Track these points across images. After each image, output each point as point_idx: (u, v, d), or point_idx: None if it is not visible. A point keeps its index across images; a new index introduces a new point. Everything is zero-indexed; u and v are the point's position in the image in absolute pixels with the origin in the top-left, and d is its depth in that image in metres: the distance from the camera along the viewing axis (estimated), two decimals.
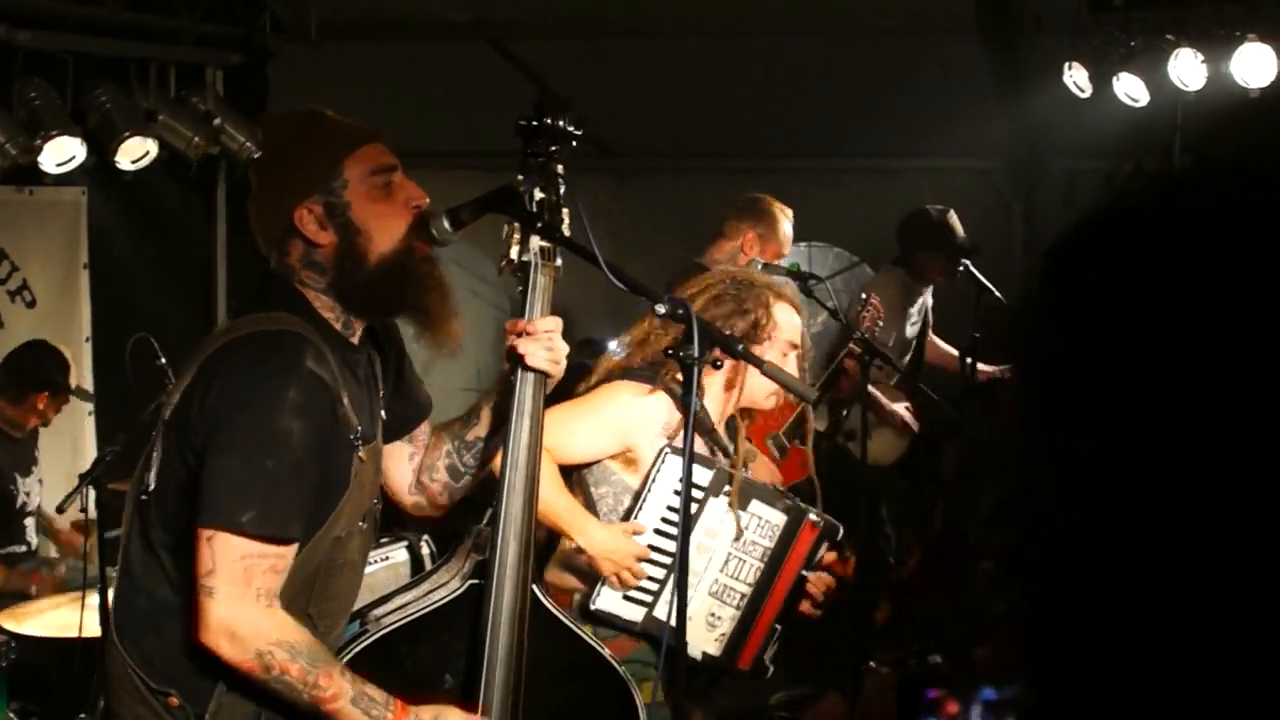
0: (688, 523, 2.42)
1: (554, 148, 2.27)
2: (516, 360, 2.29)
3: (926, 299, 5.70)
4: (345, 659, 2.27)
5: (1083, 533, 0.74)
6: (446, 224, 2.23)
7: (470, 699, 2.30)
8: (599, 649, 2.56)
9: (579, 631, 2.55)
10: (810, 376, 3.63)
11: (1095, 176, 6.86)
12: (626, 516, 3.01)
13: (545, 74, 6.94)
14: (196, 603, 2.08)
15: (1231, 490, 0.71)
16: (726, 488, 3.01)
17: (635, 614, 3.00)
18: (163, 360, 3.67)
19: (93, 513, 3.68)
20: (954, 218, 5.54)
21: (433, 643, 2.36)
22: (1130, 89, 5.73)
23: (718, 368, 2.74)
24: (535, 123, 2.25)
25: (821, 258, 8.44)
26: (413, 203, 2.25)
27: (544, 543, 3.01)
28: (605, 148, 7.95)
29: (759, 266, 4.45)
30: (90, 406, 5.84)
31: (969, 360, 5.35)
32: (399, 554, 4.67)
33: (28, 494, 5.01)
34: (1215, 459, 0.71)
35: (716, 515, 3.00)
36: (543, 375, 2.32)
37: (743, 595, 3.09)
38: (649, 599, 3.00)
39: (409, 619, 2.35)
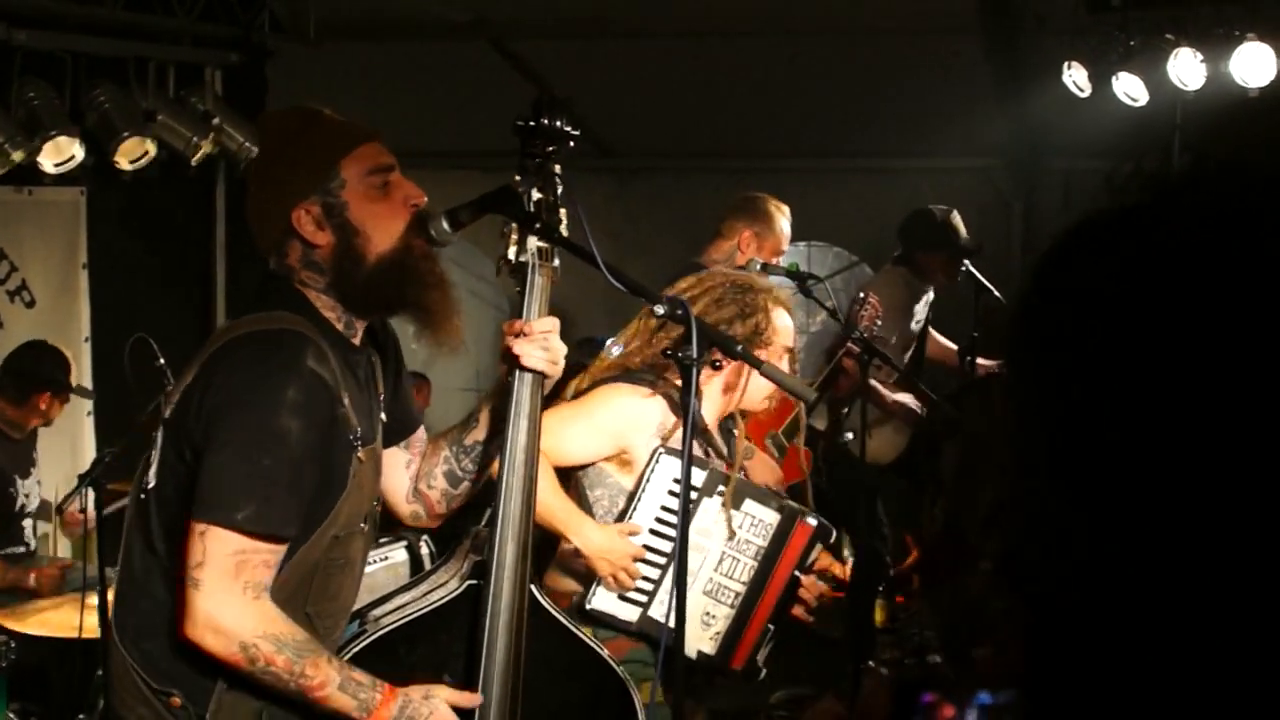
0: (686, 524, 2.42)
1: (551, 148, 2.27)
2: (513, 361, 2.29)
3: (930, 296, 5.68)
4: (344, 659, 2.27)
5: (1083, 533, 0.74)
6: (445, 225, 2.23)
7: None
8: (598, 649, 2.56)
9: (578, 632, 2.55)
10: (808, 376, 3.63)
11: (1094, 176, 6.86)
12: (621, 518, 3.02)
13: (545, 74, 6.94)
14: (182, 595, 2.08)
15: (1232, 490, 0.71)
16: (720, 487, 3.02)
17: (630, 614, 3.01)
18: (161, 361, 3.67)
19: (92, 513, 3.68)
20: (957, 218, 5.52)
21: (431, 643, 2.36)
22: (1129, 88, 5.73)
23: (717, 369, 2.75)
24: (532, 123, 2.25)
25: (821, 257, 8.44)
26: (411, 201, 2.25)
27: (541, 543, 3.02)
28: (605, 148, 7.95)
29: (757, 266, 4.45)
30: (90, 406, 5.85)
31: (968, 359, 5.35)
32: (398, 554, 4.68)
33: (26, 495, 5.01)
34: (1216, 458, 0.71)
35: (710, 515, 3.02)
36: (540, 376, 2.32)
37: (737, 594, 3.10)
38: (644, 599, 3.01)
39: (408, 619, 2.35)
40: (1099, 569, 0.74)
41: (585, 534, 2.95)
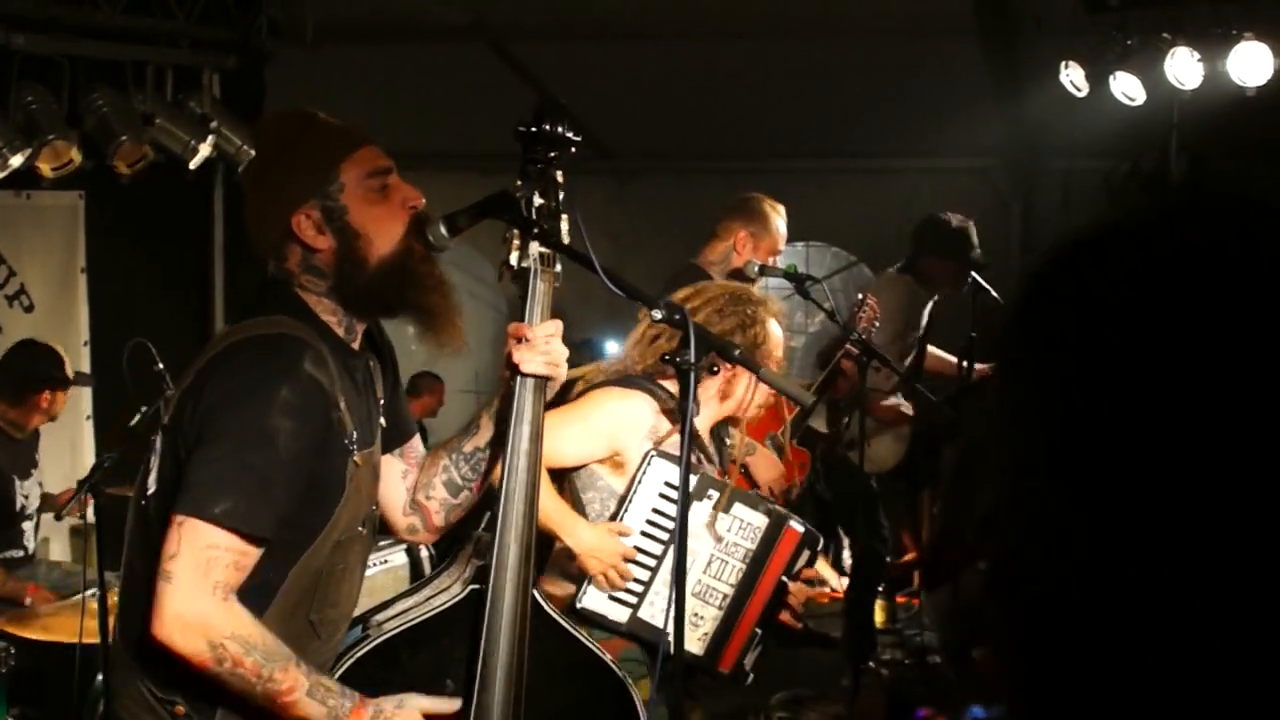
0: (685, 526, 2.43)
1: (553, 154, 2.27)
2: (515, 367, 2.29)
3: (930, 306, 5.63)
4: (347, 663, 2.27)
5: (1083, 533, 0.75)
6: (443, 230, 2.23)
7: (471, 703, 2.30)
8: (599, 653, 2.56)
9: (578, 635, 2.56)
10: (805, 377, 3.65)
11: (1093, 176, 6.88)
12: (612, 520, 3.05)
13: (544, 76, 6.95)
14: (154, 588, 2.04)
15: (1232, 491, 0.71)
16: (710, 491, 3.05)
17: (621, 615, 3.03)
18: (160, 365, 3.67)
19: (92, 518, 3.68)
20: (972, 229, 5.41)
21: (434, 647, 2.36)
22: (1127, 88, 5.73)
23: (714, 373, 2.76)
24: (534, 129, 2.25)
25: (819, 258, 8.45)
26: (409, 203, 2.25)
27: (537, 545, 3.03)
28: (604, 149, 7.96)
29: (755, 268, 4.45)
30: (90, 410, 5.85)
31: (966, 362, 5.33)
32: (398, 557, 4.70)
33: (26, 497, 5.00)
34: (1217, 459, 0.71)
35: (700, 518, 3.04)
36: (542, 381, 2.32)
37: (725, 596, 3.13)
38: (634, 600, 3.04)
39: (410, 624, 2.35)
40: (1099, 569, 0.74)
41: (577, 533, 2.98)
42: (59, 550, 5.71)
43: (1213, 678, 0.71)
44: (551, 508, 2.95)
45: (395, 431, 2.45)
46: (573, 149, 2.28)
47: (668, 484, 3.01)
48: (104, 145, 5.41)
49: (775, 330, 3.25)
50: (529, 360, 2.28)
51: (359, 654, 2.29)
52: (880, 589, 5.98)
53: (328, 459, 2.16)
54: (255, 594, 2.12)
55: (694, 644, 3.12)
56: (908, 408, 5.49)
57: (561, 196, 2.28)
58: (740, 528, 3.11)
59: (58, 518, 4.67)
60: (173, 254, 6.47)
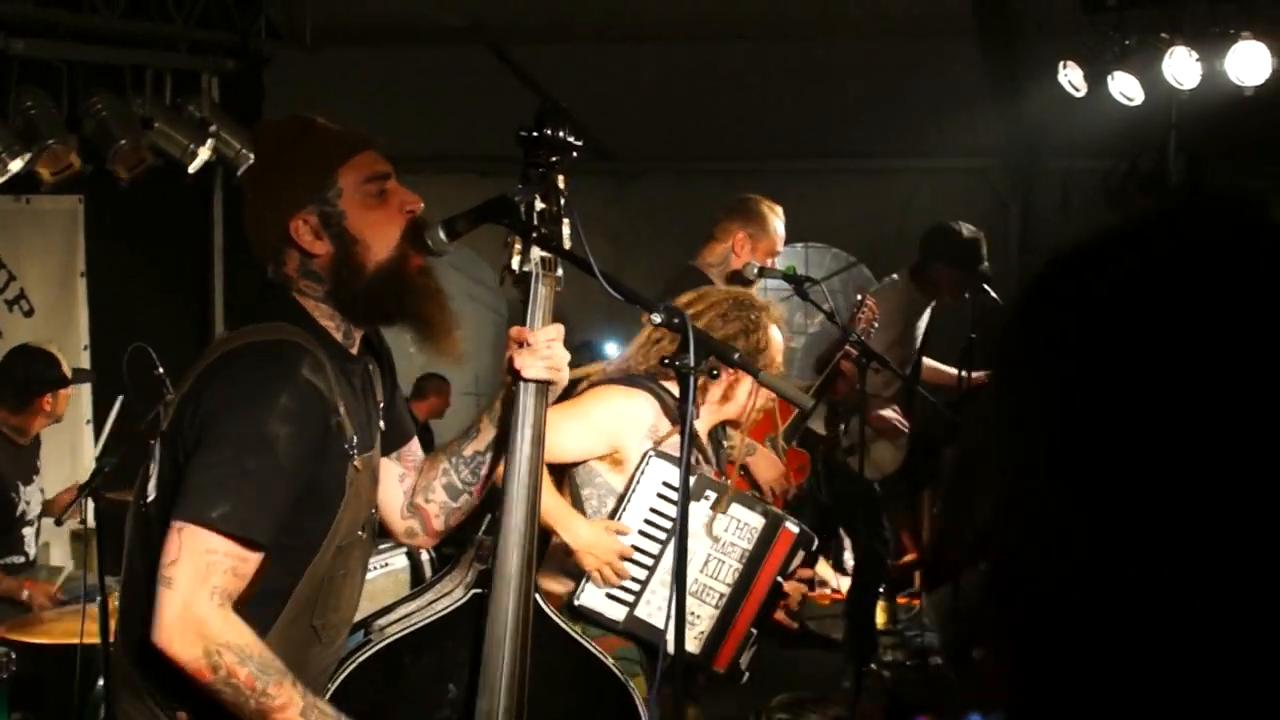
0: (685, 527, 2.43)
1: (555, 159, 2.26)
2: (516, 372, 2.29)
3: (929, 314, 5.56)
4: (349, 668, 2.27)
5: (1084, 533, 0.75)
6: (442, 234, 2.23)
7: (474, 708, 2.30)
8: (601, 656, 2.56)
9: (579, 638, 2.56)
10: (805, 378, 3.66)
11: (1091, 176, 6.88)
12: (610, 518, 3.06)
13: (543, 78, 6.95)
14: (154, 594, 2.03)
15: (1232, 492, 0.71)
16: (707, 491, 3.06)
17: (618, 613, 3.05)
18: (160, 370, 3.67)
19: (92, 523, 3.68)
20: (983, 241, 5.38)
21: (436, 652, 2.36)
22: (1125, 88, 5.73)
23: (714, 377, 2.76)
24: (536, 133, 2.24)
25: (819, 258, 8.46)
26: (407, 208, 2.25)
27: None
28: (604, 151, 7.96)
29: (754, 269, 4.45)
30: (89, 414, 5.85)
31: (966, 363, 5.32)
32: (398, 560, 4.69)
33: (27, 503, 5.00)
34: (1217, 460, 0.71)
35: (697, 518, 3.05)
36: (544, 385, 2.31)
37: (721, 595, 3.14)
38: (631, 599, 3.05)
39: (413, 628, 2.35)
40: (1099, 569, 0.74)
41: (574, 529, 2.99)
42: (59, 555, 5.70)
43: (1213, 678, 0.71)
44: (550, 503, 2.96)
45: (393, 435, 2.45)
46: (574, 154, 2.28)
47: (666, 484, 3.02)
48: (103, 149, 5.41)
49: (777, 336, 3.27)
50: (530, 365, 2.28)
51: (361, 659, 2.29)
52: (881, 590, 5.98)
53: (327, 464, 2.16)
54: (264, 601, 2.12)
55: (690, 643, 3.12)
56: (903, 423, 5.46)
57: (563, 202, 2.28)
58: (737, 528, 3.12)
59: (58, 522, 4.67)
60: (172, 258, 6.48)
